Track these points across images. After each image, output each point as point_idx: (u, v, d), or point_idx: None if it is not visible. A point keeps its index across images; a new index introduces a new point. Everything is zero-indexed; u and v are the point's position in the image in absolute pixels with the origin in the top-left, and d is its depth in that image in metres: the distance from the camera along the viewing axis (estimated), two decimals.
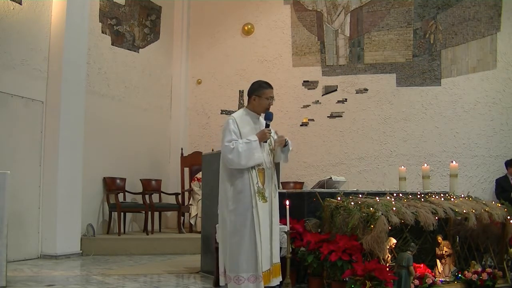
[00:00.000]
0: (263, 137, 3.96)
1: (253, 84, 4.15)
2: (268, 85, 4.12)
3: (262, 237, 3.82)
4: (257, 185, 3.87)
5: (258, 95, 4.05)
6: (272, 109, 4.14)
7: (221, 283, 4.03)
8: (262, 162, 3.94)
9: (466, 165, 8.15)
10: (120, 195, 8.05)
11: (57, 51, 6.87)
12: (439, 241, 4.75)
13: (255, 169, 3.89)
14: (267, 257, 3.87)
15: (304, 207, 4.85)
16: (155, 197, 8.46)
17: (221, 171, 4.07)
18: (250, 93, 4.12)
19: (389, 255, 4.27)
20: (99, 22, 8.16)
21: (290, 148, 4.22)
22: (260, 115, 4.12)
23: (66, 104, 6.80)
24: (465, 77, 8.42)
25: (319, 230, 4.70)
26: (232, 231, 3.90)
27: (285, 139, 4.14)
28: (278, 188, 4.38)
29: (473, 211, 4.66)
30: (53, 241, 6.58)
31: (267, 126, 4.00)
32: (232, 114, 4.10)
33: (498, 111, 8.26)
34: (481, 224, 4.78)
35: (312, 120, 9.10)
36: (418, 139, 8.58)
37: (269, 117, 4.03)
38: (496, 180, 7.95)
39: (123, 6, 8.69)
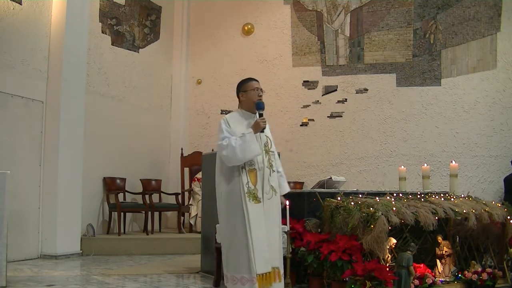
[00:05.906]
0: (257, 127, 3.79)
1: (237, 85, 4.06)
2: (250, 79, 4.00)
3: (255, 238, 3.70)
4: (247, 186, 3.75)
5: (243, 90, 3.93)
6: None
7: (225, 282, 4.00)
8: (260, 154, 3.80)
9: (466, 165, 8.15)
10: (120, 195, 8.05)
11: (57, 51, 6.88)
12: (439, 241, 4.75)
13: (245, 169, 3.78)
14: (263, 259, 3.73)
15: (304, 207, 4.85)
16: (155, 197, 8.46)
17: (216, 171, 3.98)
18: (237, 93, 4.01)
19: (389, 255, 4.27)
20: (99, 22, 8.16)
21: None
22: (254, 113, 3.91)
23: (66, 104, 6.80)
24: (465, 77, 8.42)
25: (319, 230, 4.69)
26: (224, 231, 3.87)
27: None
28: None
29: (473, 211, 4.66)
30: (53, 241, 6.59)
31: (260, 115, 3.83)
32: (224, 116, 4.01)
33: (498, 111, 8.26)
34: (481, 224, 4.78)
35: (312, 120, 9.10)
36: (418, 139, 8.58)
37: (260, 107, 3.83)
38: (505, 178, 7.76)
39: (123, 6, 8.69)
